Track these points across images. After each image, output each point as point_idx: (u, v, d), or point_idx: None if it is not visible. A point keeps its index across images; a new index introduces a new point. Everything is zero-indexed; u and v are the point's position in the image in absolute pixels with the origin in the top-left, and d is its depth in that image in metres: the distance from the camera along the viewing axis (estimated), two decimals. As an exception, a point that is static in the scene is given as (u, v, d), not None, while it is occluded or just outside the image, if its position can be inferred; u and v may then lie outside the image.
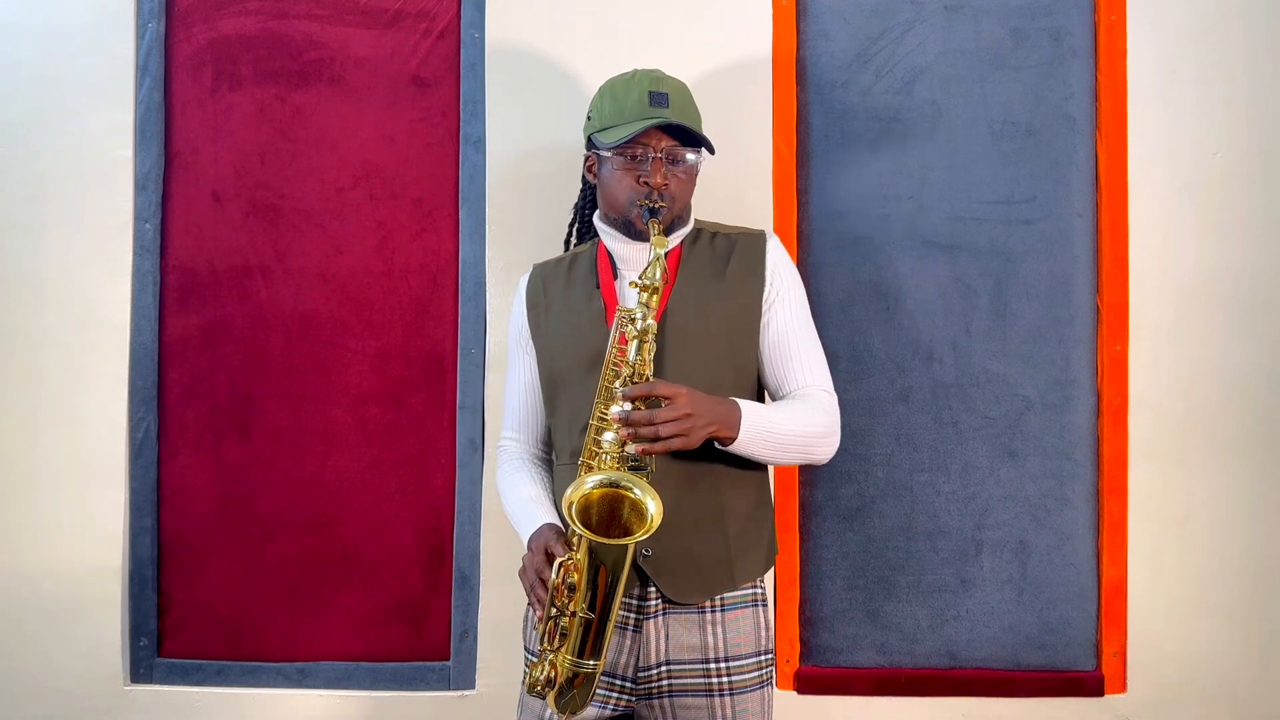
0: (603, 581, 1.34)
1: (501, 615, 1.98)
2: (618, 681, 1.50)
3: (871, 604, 2.01)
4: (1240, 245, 2.00)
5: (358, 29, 2.06)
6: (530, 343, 1.62)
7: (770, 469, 1.97)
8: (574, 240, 1.77)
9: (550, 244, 1.89)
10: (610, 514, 1.37)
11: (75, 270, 2.04)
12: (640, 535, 1.31)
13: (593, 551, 1.34)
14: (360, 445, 2.04)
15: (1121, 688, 1.98)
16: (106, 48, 2.04)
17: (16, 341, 2.04)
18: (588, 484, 1.36)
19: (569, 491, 1.35)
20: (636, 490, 1.35)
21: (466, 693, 2.02)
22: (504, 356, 1.99)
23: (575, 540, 1.37)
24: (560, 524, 1.50)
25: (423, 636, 2.04)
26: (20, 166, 2.05)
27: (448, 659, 2.03)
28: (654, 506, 1.33)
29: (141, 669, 2.04)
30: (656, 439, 1.35)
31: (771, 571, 1.99)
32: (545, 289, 1.62)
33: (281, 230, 2.05)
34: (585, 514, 1.34)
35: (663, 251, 1.43)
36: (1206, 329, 2.00)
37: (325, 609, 2.04)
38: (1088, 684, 1.98)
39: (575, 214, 1.76)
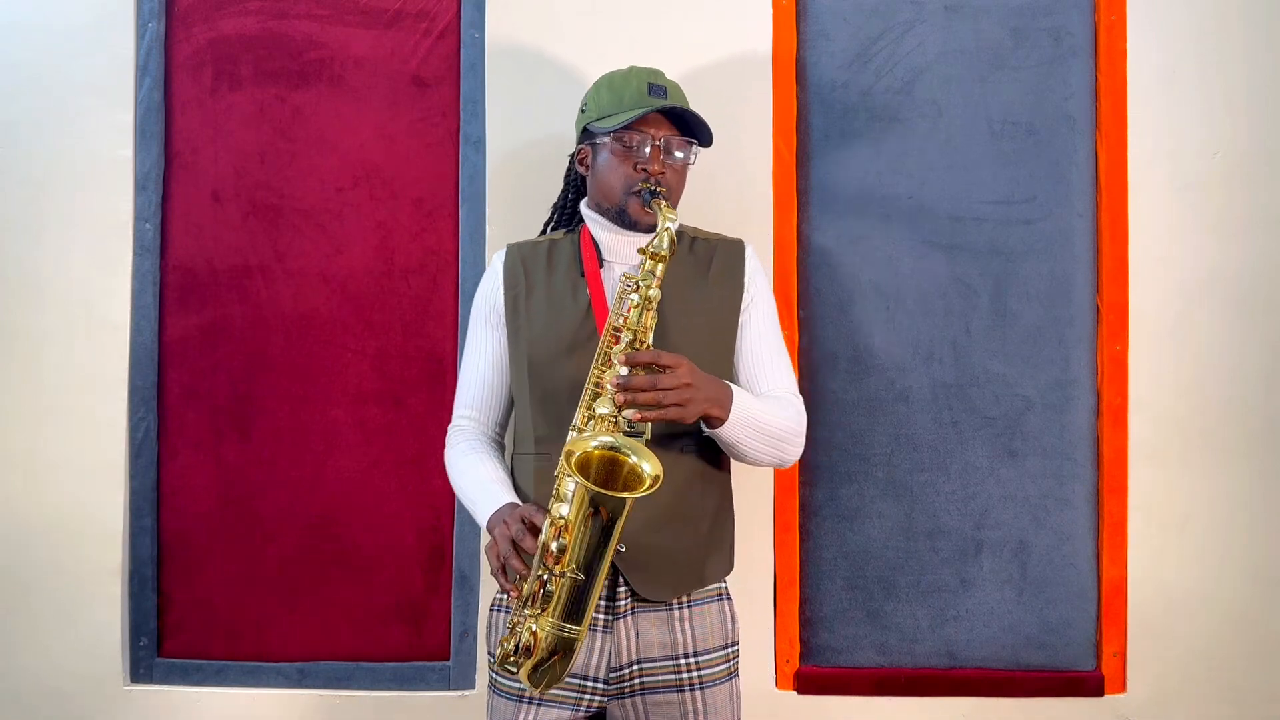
0: (596, 541, 1.31)
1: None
2: (589, 683, 1.49)
3: (871, 604, 2.01)
4: (1240, 245, 2.00)
5: (358, 29, 2.06)
6: (503, 321, 1.60)
7: (773, 470, 1.98)
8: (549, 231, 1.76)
9: (550, 244, 1.89)
10: (606, 477, 1.35)
11: (75, 270, 2.04)
12: (642, 491, 1.29)
13: (593, 503, 1.30)
14: (360, 445, 2.04)
15: (1121, 688, 1.98)
16: (106, 48, 2.04)
17: (16, 341, 2.04)
18: (591, 443, 1.34)
19: (569, 444, 1.33)
20: (634, 456, 1.33)
21: (466, 693, 2.02)
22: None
23: (571, 492, 1.33)
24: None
25: (423, 636, 2.04)
26: (20, 166, 2.05)
27: (448, 659, 2.03)
28: (650, 469, 1.31)
29: (141, 669, 2.04)
30: (657, 405, 1.34)
31: (772, 571, 1.99)
32: (525, 270, 1.60)
33: (281, 230, 2.05)
34: (584, 470, 1.32)
35: (672, 225, 1.43)
36: (1207, 329, 2.00)
37: (325, 609, 2.04)
38: (1088, 684, 1.98)
39: (554, 212, 1.75)
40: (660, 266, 1.42)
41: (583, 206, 1.63)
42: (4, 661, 2.04)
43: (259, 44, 2.06)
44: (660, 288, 1.43)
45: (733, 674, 1.56)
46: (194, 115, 2.06)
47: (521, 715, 1.49)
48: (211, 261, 2.06)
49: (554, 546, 1.32)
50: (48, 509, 2.03)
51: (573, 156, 1.67)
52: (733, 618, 1.59)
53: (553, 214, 1.75)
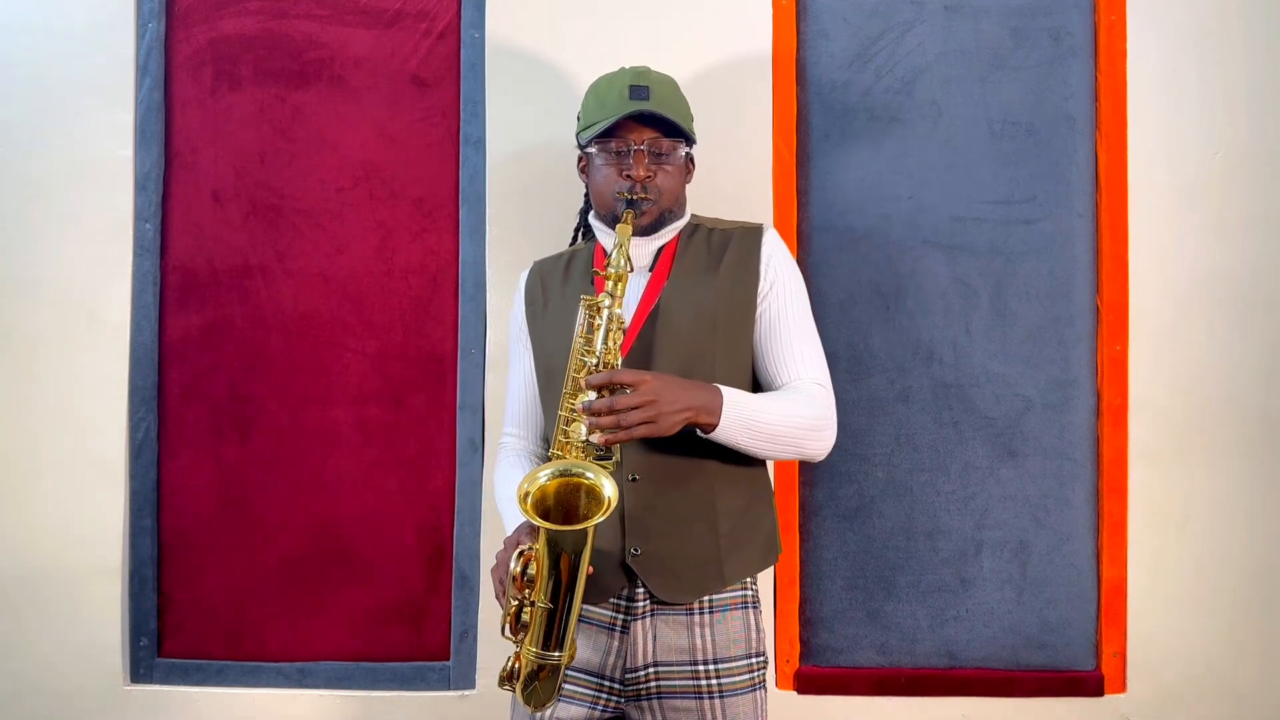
0: (565, 571, 1.31)
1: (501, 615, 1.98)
2: (605, 682, 1.49)
3: (871, 604, 2.01)
4: (1240, 245, 2.00)
5: (358, 29, 2.06)
6: (528, 338, 1.62)
7: (770, 466, 1.98)
8: (578, 242, 1.77)
9: (550, 244, 1.89)
10: (569, 503, 1.34)
11: (75, 270, 2.04)
12: (595, 519, 1.28)
13: (552, 541, 1.30)
14: (360, 445, 2.04)
15: (1121, 688, 1.99)
16: (106, 48, 2.04)
17: (16, 341, 2.04)
18: (541, 476, 1.33)
19: (522, 483, 1.32)
20: (589, 475, 1.32)
21: (466, 693, 2.02)
22: (504, 356, 1.99)
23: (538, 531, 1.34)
24: None
25: (423, 636, 2.04)
26: (20, 166, 2.05)
27: (448, 659, 2.03)
28: (610, 489, 1.30)
29: (141, 669, 2.04)
30: (619, 427, 1.31)
31: (772, 571, 1.99)
32: (544, 286, 1.62)
33: (281, 230, 2.06)
34: (542, 505, 1.32)
35: (625, 240, 1.42)
36: (1207, 329, 2.00)
37: (325, 609, 2.04)
38: (1088, 684, 1.98)
39: (580, 218, 1.76)
40: (620, 285, 1.40)
41: (590, 217, 1.63)
42: (4, 662, 2.04)
43: (259, 44, 2.06)
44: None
45: (757, 685, 1.50)
46: (194, 115, 2.06)
47: (541, 715, 1.49)
48: (211, 261, 2.06)
49: (524, 576, 1.32)
50: (48, 509, 2.03)
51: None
52: (758, 627, 1.53)
53: (580, 221, 1.76)
